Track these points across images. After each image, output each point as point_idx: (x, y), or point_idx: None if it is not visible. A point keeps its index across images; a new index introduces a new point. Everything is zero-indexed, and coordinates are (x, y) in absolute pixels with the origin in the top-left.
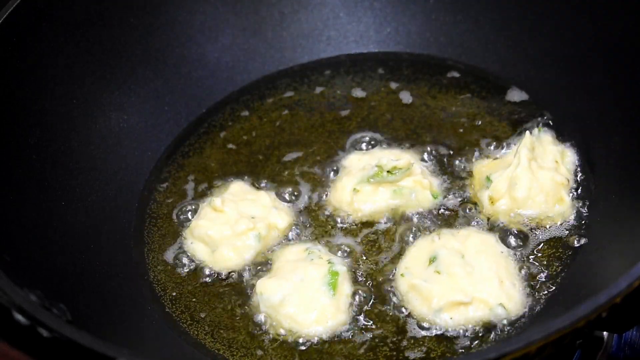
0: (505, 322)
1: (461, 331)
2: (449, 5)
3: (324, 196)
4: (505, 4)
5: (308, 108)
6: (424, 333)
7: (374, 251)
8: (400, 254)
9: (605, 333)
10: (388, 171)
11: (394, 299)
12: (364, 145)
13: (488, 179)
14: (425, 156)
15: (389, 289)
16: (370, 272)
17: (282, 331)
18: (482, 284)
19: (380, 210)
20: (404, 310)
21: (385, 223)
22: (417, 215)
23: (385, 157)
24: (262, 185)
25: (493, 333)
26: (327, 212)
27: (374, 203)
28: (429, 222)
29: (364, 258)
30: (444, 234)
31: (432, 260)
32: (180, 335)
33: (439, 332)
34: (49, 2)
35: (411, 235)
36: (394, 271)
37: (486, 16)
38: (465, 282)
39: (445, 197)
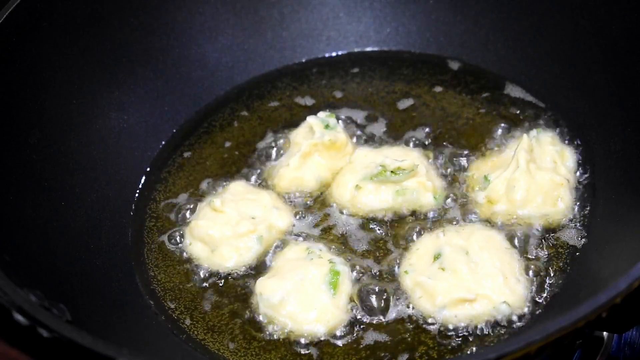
0: (508, 319)
1: (464, 328)
2: (448, 5)
3: (325, 193)
4: (505, 3)
5: (308, 107)
6: (427, 330)
7: (376, 249)
8: (401, 252)
9: (605, 333)
10: (392, 171)
11: (397, 297)
12: (364, 144)
13: (486, 178)
14: (426, 155)
15: (392, 286)
16: (371, 270)
17: (282, 331)
18: (486, 280)
19: (382, 208)
20: (407, 307)
21: (387, 221)
22: (418, 215)
23: (391, 157)
24: (263, 184)
25: (496, 330)
26: (328, 209)
27: (375, 201)
28: (430, 222)
29: (366, 256)
30: (448, 230)
31: (437, 257)
32: (180, 335)
33: (442, 330)
34: (49, 2)
35: (413, 235)
36: (396, 269)
37: (486, 15)
38: (470, 279)
39: (446, 198)
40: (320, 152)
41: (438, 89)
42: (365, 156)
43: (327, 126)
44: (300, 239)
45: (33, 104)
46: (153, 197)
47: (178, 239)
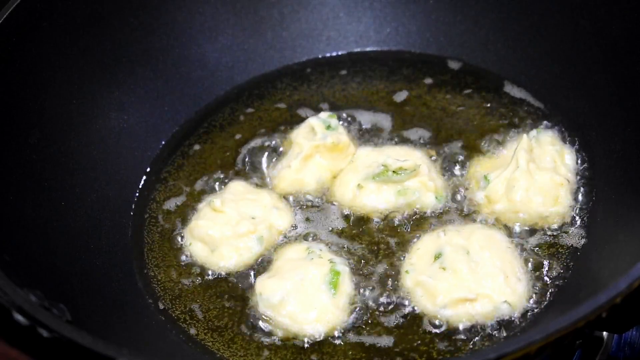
0: (509, 318)
1: (465, 328)
2: (448, 5)
3: (327, 192)
4: (505, 3)
5: (308, 108)
6: (428, 330)
7: (376, 249)
8: (402, 252)
9: (605, 333)
10: (394, 171)
11: (398, 297)
12: (365, 144)
13: (486, 178)
14: (427, 155)
15: (393, 286)
16: (372, 269)
17: (281, 331)
18: (487, 279)
19: (384, 208)
20: (408, 307)
21: (389, 221)
22: (419, 215)
23: (393, 157)
24: (263, 184)
25: (496, 330)
26: (329, 209)
27: (377, 201)
28: (431, 222)
29: (366, 256)
30: (449, 230)
31: (438, 256)
32: (180, 335)
33: (443, 329)
34: (49, 2)
35: (414, 235)
36: (397, 268)
37: (486, 15)
38: (470, 278)
39: (448, 198)
40: (322, 154)
41: (438, 88)
42: (367, 156)
43: (328, 127)
44: (301, 237)
45: (33, 104)
46: (153, 197)
47: (178, 239)
